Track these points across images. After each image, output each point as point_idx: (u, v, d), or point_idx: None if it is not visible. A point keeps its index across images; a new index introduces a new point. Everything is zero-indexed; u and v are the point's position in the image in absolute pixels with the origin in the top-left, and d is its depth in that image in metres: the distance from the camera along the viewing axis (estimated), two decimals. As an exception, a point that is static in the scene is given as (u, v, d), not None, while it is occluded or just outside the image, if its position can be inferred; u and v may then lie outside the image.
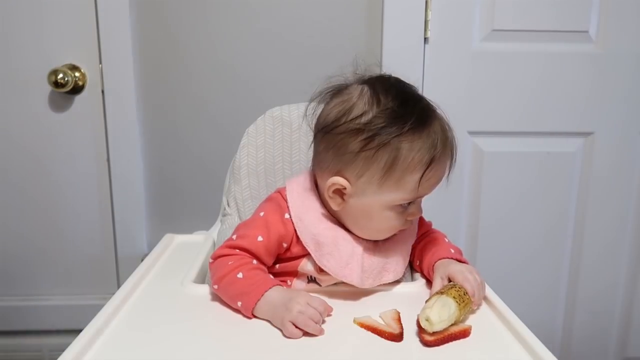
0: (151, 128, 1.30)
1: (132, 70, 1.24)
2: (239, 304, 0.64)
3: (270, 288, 0.64)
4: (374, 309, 0.65)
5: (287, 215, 0.71)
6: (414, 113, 0.65)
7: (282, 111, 0.95)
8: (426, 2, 1.24)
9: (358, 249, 0.71)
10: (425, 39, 1.26)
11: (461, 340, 0.59)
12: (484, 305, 0.67)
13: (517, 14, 1.26)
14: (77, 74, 1.24)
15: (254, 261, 0.69)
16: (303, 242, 0.70)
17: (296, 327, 0.59)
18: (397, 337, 0.59)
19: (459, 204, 1.35)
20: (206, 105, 1.29)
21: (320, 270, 0.71)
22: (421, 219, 0.81)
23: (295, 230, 0.71)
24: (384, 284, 0.72)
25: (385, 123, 0.64)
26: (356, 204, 0.69)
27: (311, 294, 0.65)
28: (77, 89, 1.25)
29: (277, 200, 0.73)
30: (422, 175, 0.65)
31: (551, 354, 0.55)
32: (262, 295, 0.63)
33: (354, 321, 0.62)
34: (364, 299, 0.69)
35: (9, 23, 1.22)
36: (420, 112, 0.66)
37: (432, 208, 1.32)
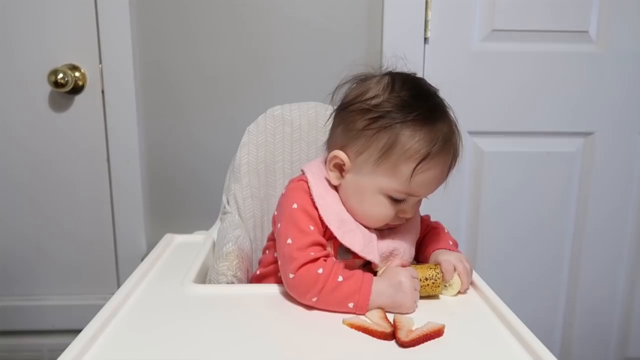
0: (151, 128, 1.30)
1: (132, 70, 1.24)
2: (351, 305, 0.64)
3: (372, 280, 0.65)
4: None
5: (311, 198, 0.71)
6: (423, 107, 0.68)
7: (282, 110, 0.95)
8: (426, 2, 1.24)
9: (372, 230, 0.73)
10: (425, 39, 1.26)
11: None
12: (484, 305, 0.67)
13: (517, 14, 1.26)
14: (77, 74, 1.24)
15: (332, 258, 0.69)
16: (326, 221, 0.69)
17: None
18: (389, 336, 0.58)
19: (459, 204, 1.35)
20: (206, 104, 1.29)
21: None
22: (421, 217, 0.82)
23: (318, 212, 0.70)
24: None
25: (392, 108, 0.67)
26: (352, 181, 0.71)
27: None
28: (77, 89, 1.25)
29: (302, 186, 0.73)
30: (415, 167, 0.66)
31: (550, 354, 0.55)
32: (371, 290, 0.64)
33: (344, 322, 0.62)
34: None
35: (9, 23, 1.22)
36: (430, 107, 0.69)
37: (433, 208, 1.33)
